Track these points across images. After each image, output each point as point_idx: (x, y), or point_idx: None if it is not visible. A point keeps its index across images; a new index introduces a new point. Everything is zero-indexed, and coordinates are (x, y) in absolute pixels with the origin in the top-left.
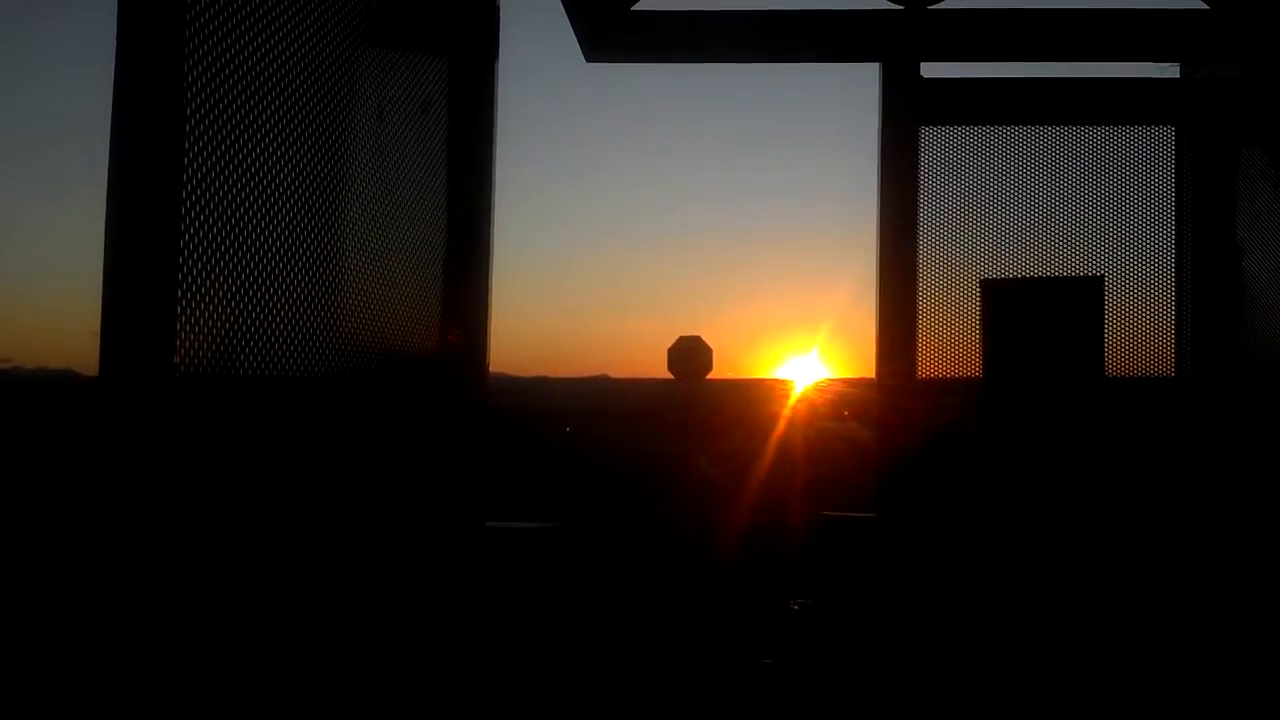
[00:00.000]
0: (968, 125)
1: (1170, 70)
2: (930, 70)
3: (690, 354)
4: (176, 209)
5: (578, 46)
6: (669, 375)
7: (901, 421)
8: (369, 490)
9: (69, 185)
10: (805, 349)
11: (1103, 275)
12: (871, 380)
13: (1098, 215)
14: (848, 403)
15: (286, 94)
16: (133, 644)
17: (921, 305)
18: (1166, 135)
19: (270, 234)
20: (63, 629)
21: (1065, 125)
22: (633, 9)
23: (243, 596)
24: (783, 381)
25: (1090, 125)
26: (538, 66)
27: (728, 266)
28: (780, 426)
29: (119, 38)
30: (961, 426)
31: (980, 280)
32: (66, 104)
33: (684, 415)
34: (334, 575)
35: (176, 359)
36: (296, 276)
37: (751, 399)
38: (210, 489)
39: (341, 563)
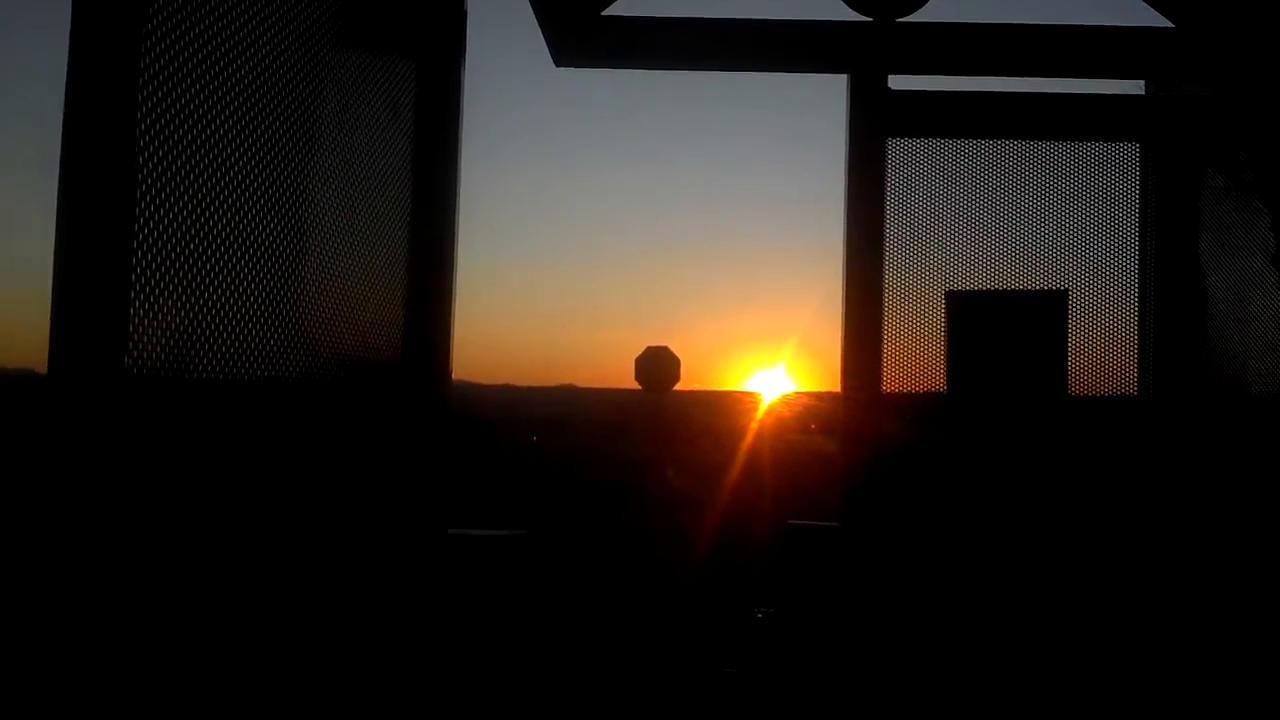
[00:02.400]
0: (935, 138)
1: (1136, 87)
2: (898, 82)
3: (658, 364)
4: (130, 207)
5: (547, 50)
6: (636, 385)
7: (865, 434)
8: (326, 495)
9: (24, 177)
10: (773, 362)
11: (1067, 289)
12: (837, 394)
13: (1062, 230)
14: (814, 416)
15: (247, 91)
16: (79, 654)
17: (887, 318)
18: (1131, 151)
19: (228, 234)
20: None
21: (1031, 140)
22: (602, 14)
23: (196, 603)
24: (750, 394)
25: (1056, 140)
26: (506, 70)
27: (696, 277)
28: (747, 438)
29: (72, 31)
30: (924, 440)
31: (945, 292)
32: (21, 98)
33: (651, 425)
34: (289, 581)
35: (128, 359)
36: (255, 277)
37: (719, 410)
38: (162, 493)
39: (297, 567)
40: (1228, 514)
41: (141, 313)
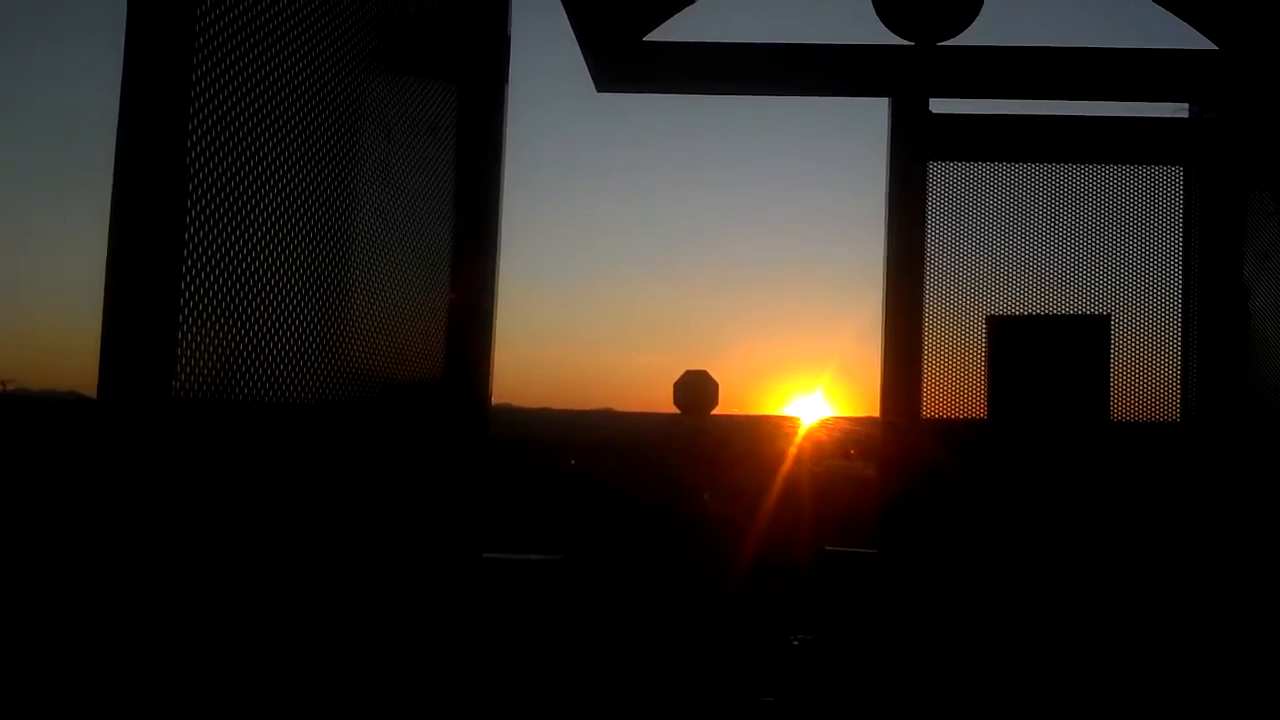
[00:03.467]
0: (976, 161)
1: (1179, 110)
2: (939, 106)
3: (696, 388)
4: (180, 232)
5: (589, 76)
6: (674, 409)
7: (905, 460)
8: (366, 517)
9: (76, 203)
10: (812, 386)
11: (1109, 314)
12: (877, 419)
13: (1105, 254)
14: (853, 441)
15: (293, 117)
16: (124, 671)
17: (927, 343)
18: (1174, 175)
19: (274, 258)
20: (56, 655)
21: (1073, 163)
22: (644, 40)
23: (238, 622)
24: (789, 418)
25: (1098, 164)
26: (548, 95)
27: (736, 301)
28: (786, 463)
29: (125, 60)
30: (965, 466)
31: (986, 317)
32: (76, 121)
33: (689, 450)
34: (328, 601)
35: (175, 384)
36: (299, 302)
37: (757, 435)
38: (207, 514)
39: (336, 588)
40: (1272, 540)
41: (189, 338)
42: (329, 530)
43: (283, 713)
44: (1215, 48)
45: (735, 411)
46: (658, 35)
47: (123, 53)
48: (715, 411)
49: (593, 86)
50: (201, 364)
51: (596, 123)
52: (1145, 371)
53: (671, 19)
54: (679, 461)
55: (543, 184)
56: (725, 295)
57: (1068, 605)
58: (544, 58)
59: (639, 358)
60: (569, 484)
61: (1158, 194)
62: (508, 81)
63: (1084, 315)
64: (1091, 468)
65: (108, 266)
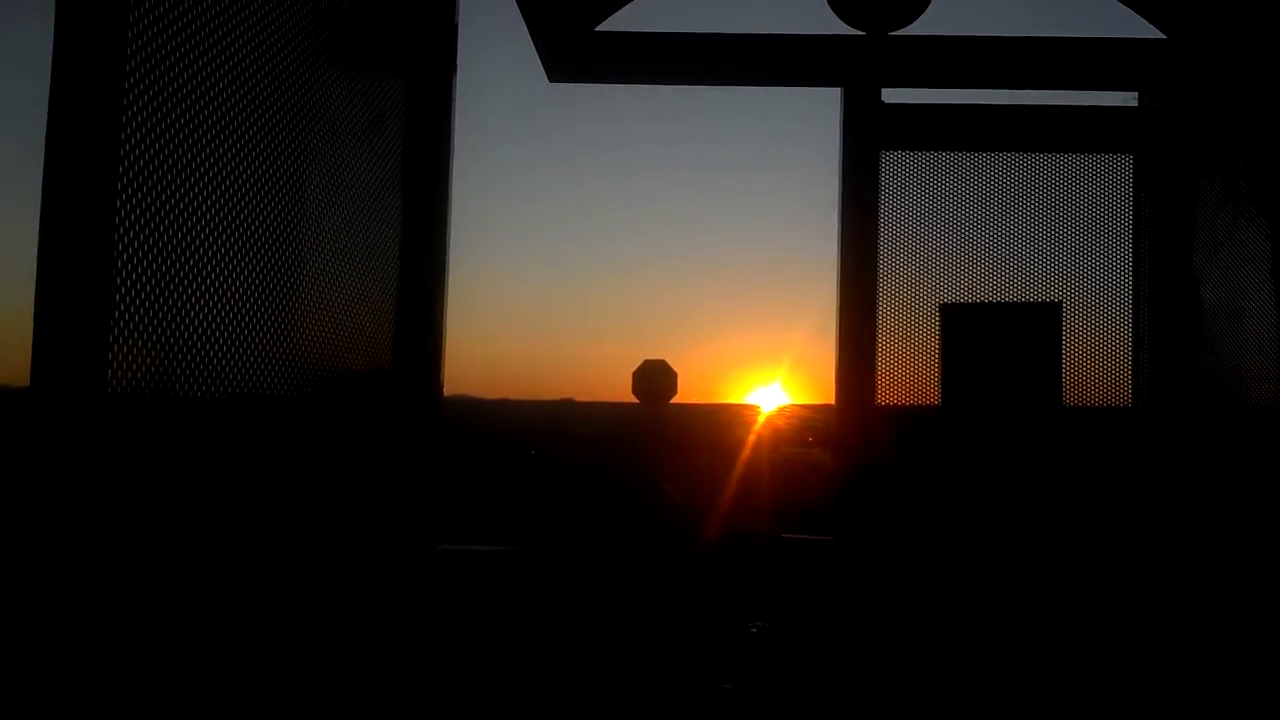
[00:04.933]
0: (928, 151)
1: (1129, 99)
2: (891, 96)
3: (654, 377)
4: (112, 218)
5: (541, 66)
6: (634, 399)
7: (859, 447)
8: (315, 510)
9: (6, 190)
10: (772, 374)
11: (1060, 301)
12: (833, 407)
13: (1056, 241)
14: (812, 429)
15: (233, 106)
16: (60, 672)
17: (881, 331)
18: (1124, 163)
19: (214, 247)
20: None
21: (1025, 152)
22: (596, 30)
23: (182, 619)
24: (749, 407)
25: (1050, 152)
26: (500, 86)
27: (693, 290)
28: (744, 452)
29: (55, 46)
30: (917, 453)
31: (939, 305)
32: (6, 105)
33: (647, 439)
34: (276, 597)
35: (110, 375)
36: (241, 292)
37: (716, 424)
38: (146, 512)
39: (284, 583)
40: (1222, 524)
41: (126, 329)
42: (276, 524)
43: (235, 710)
44: (1164, 37)
45: (695, 400)
46: (610, 25)
47: (53, 38)
48: (675, 400)
49: (545, 77)
50: (140, 356)
51: (550, 113)
52: (1097, 357)
53: (623, 9)
54: (639, 450)
55: (498, 175)
56: (682, 284)
57: (1023, 588)
58: (495, 47)
59: (599, 348)
60: (529, 474)
61: (1108, 182)
62: (456, 71)
63: (1036, 302)
64: (1044, 453)
65: (39, 255)
